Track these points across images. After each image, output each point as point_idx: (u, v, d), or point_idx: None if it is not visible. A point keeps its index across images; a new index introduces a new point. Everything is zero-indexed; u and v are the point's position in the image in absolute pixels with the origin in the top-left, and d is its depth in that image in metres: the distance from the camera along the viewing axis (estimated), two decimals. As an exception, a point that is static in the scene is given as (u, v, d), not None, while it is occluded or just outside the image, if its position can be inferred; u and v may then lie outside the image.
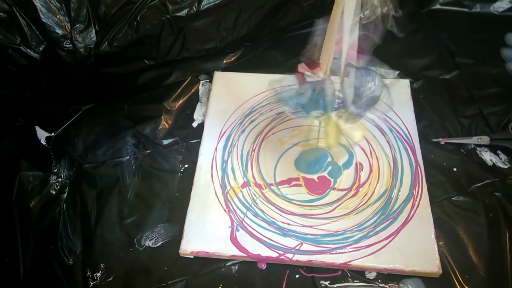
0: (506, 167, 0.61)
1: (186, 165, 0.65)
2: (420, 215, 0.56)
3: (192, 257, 0.56)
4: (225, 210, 0.58)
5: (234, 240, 0.55)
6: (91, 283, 0.55)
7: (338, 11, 0.43)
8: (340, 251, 0.54)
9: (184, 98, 0.72)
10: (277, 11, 0.73)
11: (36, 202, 0.60)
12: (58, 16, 0.62)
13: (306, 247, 0.54)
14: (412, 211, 0.57)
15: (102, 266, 0.56)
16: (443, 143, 0.64)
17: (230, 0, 0.68)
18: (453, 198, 0.59)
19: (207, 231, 0.56)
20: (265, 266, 0.55)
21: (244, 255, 0.54)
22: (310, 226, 0.56)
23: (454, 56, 0.74)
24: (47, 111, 0.71)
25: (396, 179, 0.60)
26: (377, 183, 0.60)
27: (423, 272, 0.52)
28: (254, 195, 0.60)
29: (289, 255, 0.54)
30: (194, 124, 0.69)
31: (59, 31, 0.63)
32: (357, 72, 0.46)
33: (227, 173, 0.62)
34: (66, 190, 0.63)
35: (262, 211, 0.58)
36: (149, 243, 0.57)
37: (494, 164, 0.62)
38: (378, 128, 0.65)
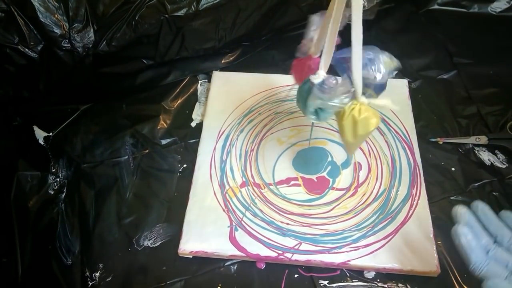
0: (504, 166, 0.62)
1: (185, 165, 0.64)
2: (418, 214, 0.56)
3: (191, 257, 0.56)
4: (224, 210, 0.58)
5: (233, 239, 0.55)
6: (90, 283, 0.54)
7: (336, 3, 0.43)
8: (339, 250, 0.54)
9: (183, 98, 0.72)
10: (275, 11, 0.73)
11: (34, 202, 0.60)
12: (56, 15, 0.62)
13: (305, 246, 0.54)
14: (411, 211, 0.57)
15: (100, 266, 0.56)
16: (441, 142, 0.64)
17: (228, 0, 0.68)
18: (452, 198, 0.59)
19: (206, 231, 0.56)
20: (264, 266, 0.55)
21: (243, 254, 0.54)
22: (309, 226, 0.56)
23: (452, 56, 0.75)
24: (45, 111, 0.70)
25: (395, 178, 0.60)
26: (376, 182, 0.60)
27: (421, 272, 0.52)
28: (253, 194, 0.60)
29: (288, 255, 0.54)
30: (193, 124, 0.69)
31: (57, 31, 0.63)
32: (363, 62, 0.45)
33: (226, 172, 0.62)
34: (64, 190, 0.63)
35: (261, 210, 0.58)
36: (147, 243, 0.57)
37: (492, 163, 0.62)
38: (377, 128, 0.65)
